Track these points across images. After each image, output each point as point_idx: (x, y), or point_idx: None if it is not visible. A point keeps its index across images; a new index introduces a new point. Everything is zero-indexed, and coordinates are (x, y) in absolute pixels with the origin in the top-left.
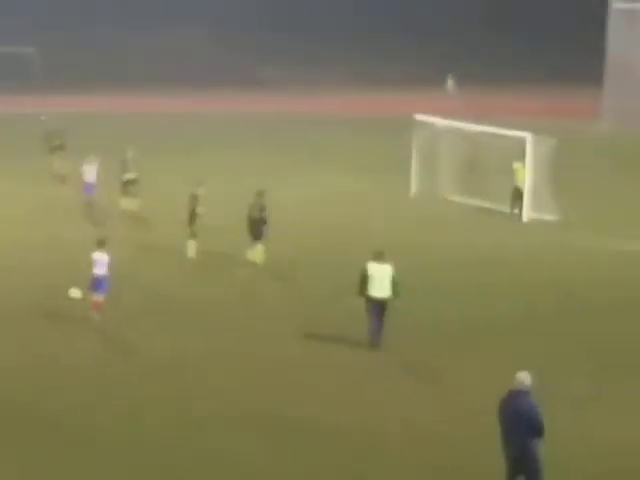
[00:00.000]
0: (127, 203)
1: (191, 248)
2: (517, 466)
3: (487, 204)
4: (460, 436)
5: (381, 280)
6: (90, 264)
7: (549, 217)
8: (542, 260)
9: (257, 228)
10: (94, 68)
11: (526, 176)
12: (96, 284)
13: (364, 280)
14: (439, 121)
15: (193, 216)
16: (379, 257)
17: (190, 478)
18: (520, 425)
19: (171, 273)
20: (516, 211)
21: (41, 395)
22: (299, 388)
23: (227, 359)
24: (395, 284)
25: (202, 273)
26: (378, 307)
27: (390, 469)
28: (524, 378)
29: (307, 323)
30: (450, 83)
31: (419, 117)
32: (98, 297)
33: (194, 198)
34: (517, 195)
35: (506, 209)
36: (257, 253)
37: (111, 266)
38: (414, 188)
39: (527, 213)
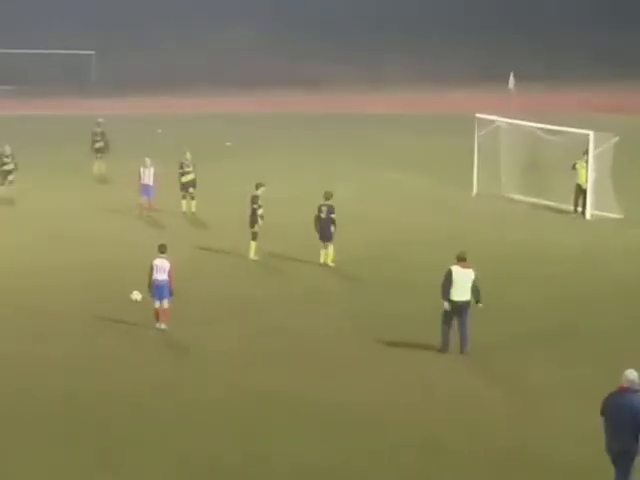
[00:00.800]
0: (186, 205)
1: (252, 250)
2: (617, 460)
3: (550, 202)
4: None
5: (464, 284)
6: (149, 269)
7: (612, 215)
8: (606, 256)
9: (326, 230)
10: (150, 71)
11: (589, 173)
12: (157, 291)
13: (448, 283)
14: (501, 119)
15: (254, 217)
16: (463, 260)
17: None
18: (627, 422)
19: (231, 274)
20: (579, 209)
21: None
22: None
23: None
24: (476, 289)
25: (263, 274)
26: (458, 311)
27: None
28: (633, 376)
29: (372, 321)
30: (512, 81)
31: (481, 115)
32: (163, 305)
33: (254, 199)
34: (580, 193)
35: (569, 207)
36: (329, 255)
37: (172, 273)
38: (476, 186)
39: (590, 211)
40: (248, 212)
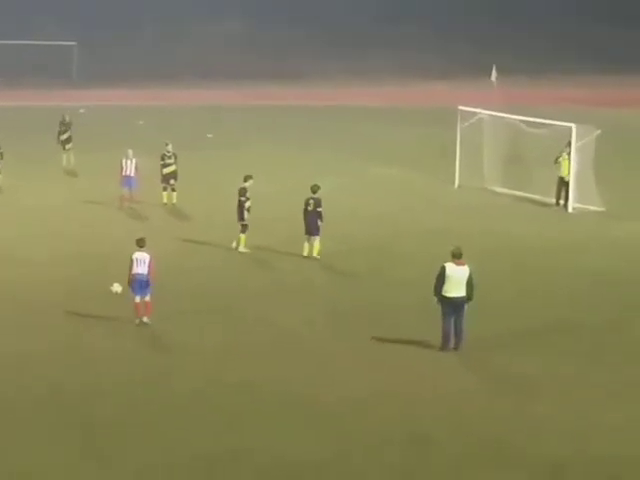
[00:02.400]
0: (167, 197)
1: (241, 242)
2: None
3: (532, 195)
4: None
5: (458, 281)
6: (129, 263)
7: (595, 207)
8: (589, 249)
9: (313, 223)
10: (134, 62)
11: (571, 166)
12: (138, 285)
13: (441, 280)
14: (483, 111)
15: (241, 210)
16: (458, 257)
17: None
18: None
19: (214, 266)
20: (562, 202)
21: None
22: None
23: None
24: (470, 286)
25: (247, 266)
26: (455, 308)
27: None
28: None
29: (356, 314)
30: (494, 73)
31: (463, 107)
32: (143, 299)
33: (242, 191)
34: (562, 185)
35: (551, 200)
36: (314, 248)
37: (152, 266)
38: (458, 179)
39: (572, 204)
40: (235, 204)
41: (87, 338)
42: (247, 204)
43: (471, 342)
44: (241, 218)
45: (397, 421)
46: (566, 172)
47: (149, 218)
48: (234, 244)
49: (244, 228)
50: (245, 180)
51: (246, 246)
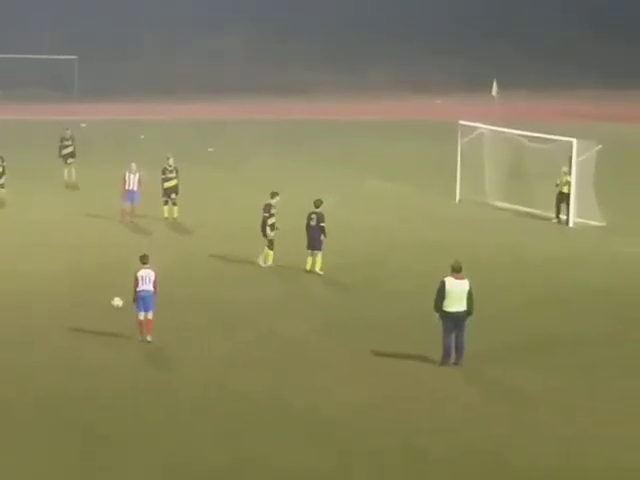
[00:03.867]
0: (168, 211)
1: (263, 257)
2: None
3: (533, 210)
4: None
5: (458, 295)
6: (134, 281)
7: (595, 222)
8: (588, 264)
9: (316, 238)
10: (134, 76)
11: (571, 181)
12: (143, 302)
13: (441, 295)
14: (484, 126)
15: (264, 226)
16: (457, 271)
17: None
18: None
19: (215, 279)
20: (562, 216)
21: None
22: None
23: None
24: (470, 300)
25: (249, 280)
26: (456, 322)
27: None
28: None
29: (358, 327)
30: (495, 88)
31: (464, 122)
32: (147, 316)
33: (267, 208)
34: (562, 200)
35: (552, 215)
36: (317, 263)
37: (156, 283)
38: (459, 193)
39: (573, 218)
40: (261, 220)
41: (88, 350)
42: (270, 220)
43: (468, 354)
44: (264, 234)
45: (392, 432)
46: (566, 187)
47: (151, 232)
48: (260, 260)
49: (270, 244)
50: (272, 197)
51: (267, 261)
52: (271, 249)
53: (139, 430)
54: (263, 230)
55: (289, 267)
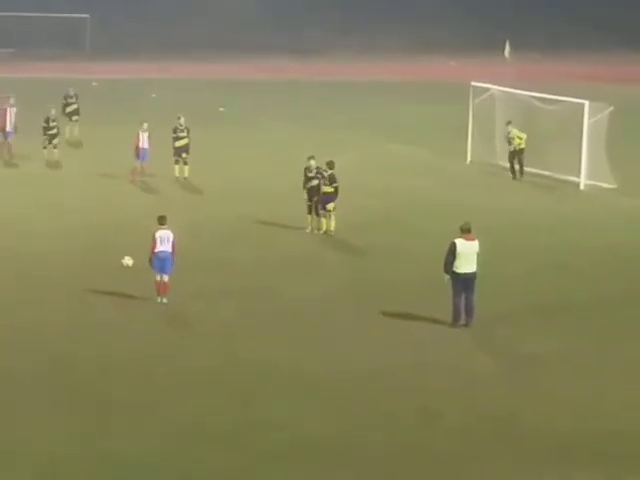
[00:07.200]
0: (179, 170)
1: (319, 223)
2: None
3: (544, 171)
4: None
5: (469, 256)
6: (152, 241)
7: (606, 184)
8: (599, 226)
9: (328, 199)
10: (148, 36)
11: (583, 142)
12: (160, 263)
13: (452, 257)
14: (496, 87)
15: (308, 189)
16: (467, 232)
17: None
18: None
19: (226, 240)
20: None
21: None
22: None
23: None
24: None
25: (260, 240)
26: (466, 283)
27: None
28: None
29: (370, 289)
30: (508, 49)
31: (476, 83)
32: (164, 278)
33: (307, 171)
34: (515, 156)
35: (564, 177)
36: (329, 222)
37: (175, 244)
38: (470, 155)
39: (584, 180)
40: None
41: (103, 310)
42: (314, 183)
43: (481, 318)
44: (310, 198)
45: (405, 396)
46: (517, 143)
47: (161, 192)
48: (308, 229)
49: (308, 209)
50: (308, 159)
51: (314, 227)
52: (309, 214)
53: (152, 394)
54: (309, 194)
55: (301, 228)
